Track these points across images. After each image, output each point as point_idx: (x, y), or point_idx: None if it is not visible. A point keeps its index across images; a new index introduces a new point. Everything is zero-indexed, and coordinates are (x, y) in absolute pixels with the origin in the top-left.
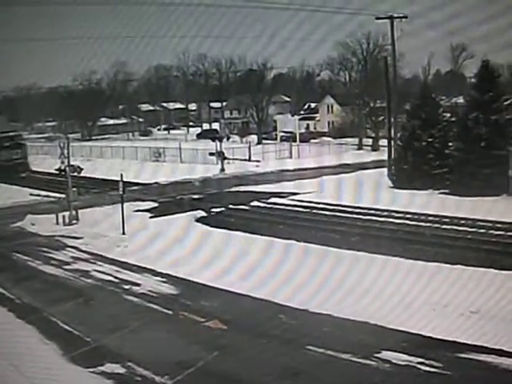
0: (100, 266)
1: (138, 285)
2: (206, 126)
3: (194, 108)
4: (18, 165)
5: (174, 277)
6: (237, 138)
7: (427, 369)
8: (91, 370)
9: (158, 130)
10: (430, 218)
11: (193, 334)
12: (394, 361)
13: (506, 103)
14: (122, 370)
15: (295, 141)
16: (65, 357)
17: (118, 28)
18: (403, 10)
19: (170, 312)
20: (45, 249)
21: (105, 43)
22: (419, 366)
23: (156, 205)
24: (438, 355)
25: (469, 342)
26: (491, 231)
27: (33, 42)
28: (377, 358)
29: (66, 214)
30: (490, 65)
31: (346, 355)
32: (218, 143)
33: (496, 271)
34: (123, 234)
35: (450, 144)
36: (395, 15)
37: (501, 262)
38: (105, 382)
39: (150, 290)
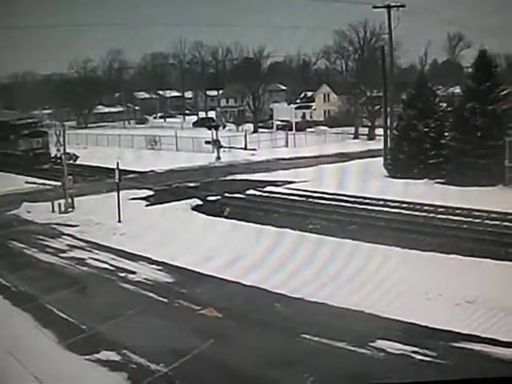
0: (96, 253)
1: (133, 273)
2: (202, 115)
3: (190, 96)
4: (38, 155)
5: (170, 265)
6: (233, 126)
7: (421, 358)
8: (87, 357)
9: (154, 118)
10: (426, 208)
11: (188, 321)
12: (388, 350)
13: (502, 93)
14: (117, 358)
15: (291, 129)
16: (60, 344)
17: (114, 15)
18: None
19: (165, 300)
20: (40, 236)
21: (101, 31)
22: (413, 355)
23: (152, 193)
24: (432, 344)
25: (464, 332)
26: (487, 221)
27: (28, 29)
28: (371, 346)
29: (62, 201)
30: (487, 55)
31: (340, 344)
32: (214, 131)
33: (492, 261)
34: (119, 221)
35: (446, 134)
36: (392, 4)
37: (496, 252)
38: (100, 370)
39: (145, 278)
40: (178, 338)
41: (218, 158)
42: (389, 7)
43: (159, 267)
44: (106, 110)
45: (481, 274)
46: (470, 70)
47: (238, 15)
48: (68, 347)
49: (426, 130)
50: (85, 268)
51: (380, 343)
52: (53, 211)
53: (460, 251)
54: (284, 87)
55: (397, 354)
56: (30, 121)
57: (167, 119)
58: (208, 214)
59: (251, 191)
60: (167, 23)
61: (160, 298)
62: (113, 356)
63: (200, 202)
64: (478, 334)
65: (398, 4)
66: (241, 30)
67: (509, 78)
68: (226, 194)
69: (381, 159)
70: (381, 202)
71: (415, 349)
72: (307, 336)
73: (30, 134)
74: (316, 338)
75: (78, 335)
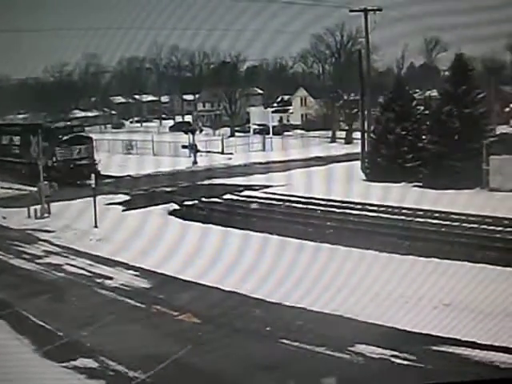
0: (72, 259)
1: (110, 278)
2: (178, 119)
3: (166, 100)
4: (81, 167)
5: (147, 270)
6: (210, 130)
7: (401, 362)
8: (64, 364)
9: (131, 122)
10: (404, 211)
11: (166, 327)
12: (367, 354)
13: (479, 96)
14: (94, 365)
15: (268, 133)
16: (37, 352)
17: (91, 19)
18: (377, 3)
19: (142, 306)
20: (16, 242)
21: (77, 35)
22: (393, 359)
23: (128, 198)
24: (411, 348)
25: (442, 335)
26: (465, 224)
27: (2, 33)
28: (350, 351)
29: (38, 207)
30: (463, 58)
31: (319, 348)
32: (191, 136)
33: (470, 264)
34: (95, 227)
35: (424, 137)
36: (369, 8)
37: (474, 255)
38: (78, 377)
39: (122, 284)
40: (156, 344)
41: (195, 162)
42: (365, 11)
43: (136, 273)
44: (82, 114)
45: (459, 277)
46: (446, 73)
47: (215, 19)
48: (45, 355)
49: (404, 133)
50: (61, 274)
51: (359, 347)
52: (28, 217)
53: (438, 254)
54: (261, 91)
55: (376, 358)
56: (69, 124)
57: (144, 123)
58: (185, 219)
59: (228, 195)
60: (143, 27)
61: (137, 304)
62: (90, 363)
63: (177, 207)
64: (456, 337)
65: (375, 8)
66: (218, 34)
67: (485, 82)
68: (204, 199)
69: (358, 163)
70: (358, 206)
71: (394, 353)
72: (286, 341)
73: (70, 140)
74: (295, 343)
75: (55, 342)
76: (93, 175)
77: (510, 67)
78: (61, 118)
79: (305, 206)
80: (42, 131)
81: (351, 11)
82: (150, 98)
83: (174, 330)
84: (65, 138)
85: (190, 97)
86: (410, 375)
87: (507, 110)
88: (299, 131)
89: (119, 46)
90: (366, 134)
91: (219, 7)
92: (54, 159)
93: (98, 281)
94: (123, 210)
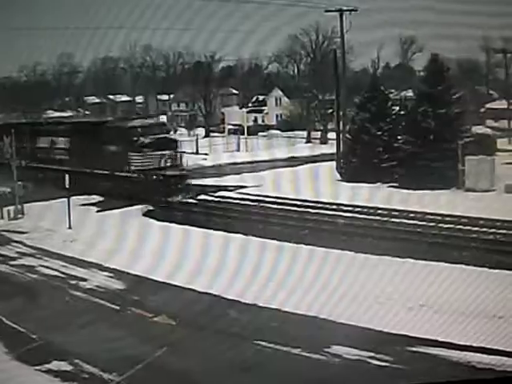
0: (46, 261)
1: (84, 280)
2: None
3: (140, 100)
4: (170, 179)
5: (121, 271)
6: (184, 130)
7: (378, 363)
8: (37, 367)
9: None
10: (379, 212)
11: (141, 329)
12: (344, 355)
13: (454, 97)
14: (68, 368)
15: (243, 134)
16: (10, 355)
17: (65, 19)
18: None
19: (117, 307)
20: None
21: (51, 34)
22: (370, 361)
23: (102, 198)
24: (388, 349)
25: (418, 336)
26: (441, 224)
27: None
28: (327, 352)
29: (12, 208)
30: (439, 59)
31: (295, 350)
32: None
33: (446, 264)
34: (69, 228)
35: (399, 137)
36: (344, 8)
37: (450, 255)
38: (52, 380)
39: (96, 285)
40: (131, 346)
41: None
42: (341, 11)
43: (110, 274)
44: (56, 114)
45: (435, 277)
46: (422, 73)
47: (189, 19)
48: (18, 357)
49: (379, 133)
50: (35, 276)
51: (335, 349)
52: (1, 218)
53: (414, 255)
54: (236, 91)
55: (353, 359)
56: (149, 122)
57: None
58: (159, 220)
59: (203, 196)
60: (118, 27)
61: (112, 306)
62: (64, 366)
63: (151, 208)
64: (433, 338)
65: (350, 8)
66: (192, 34)
67: (461, 82)
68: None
69: (333, 163)
70: (333, 207)
71: (371, 354)
72: (261, 342)
73: (156, 143)
74: (271, 345)
75: (29, 345)
76: (67, 177)
77: (485, 68)
78: (135, 114)
79: (279, 207)
80: (115, 133)
81: (326, 11)
82: (125, 98)
83: (149, 331)
84: (145, 141)
85: (164, 97)
86: (386, 376)
87: (483, 110)
88: (274, 131)
89: (93, 46)
90: (341, 135)
91: (193, 7)
92: (129, 168)
93: (72, 282)
94: (97, 211)
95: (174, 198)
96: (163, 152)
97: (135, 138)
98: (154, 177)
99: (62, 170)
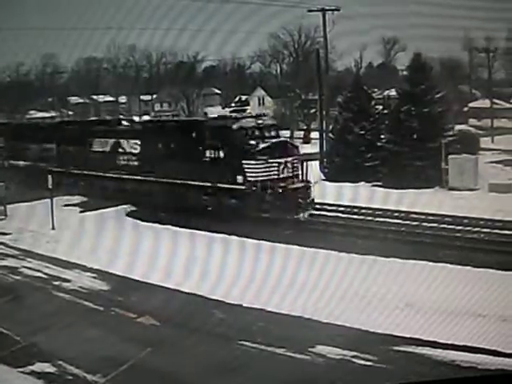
0: (29, 262)
1: (68, 281)
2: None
3: (124, 101)
4: (292, 193)
5: (105, 272)
6: None
7: (362, 362)
8: (21, 369)
9: None
10: (363, 211)
11: (125, 330)
12: (328, 355)
13: (437, 96)
14: (52, 369)
15: None
16: None
17: (48, 19)
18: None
19: (101, 308)
20: None
21: (34, 35)
22: (354, 360)
23: (86, 199)
24: (373, 349)
25: (404, 335)
26: (424, 223)
27: None
28: (311, 352)
29: None
30: (421, 58)
31: (279, 350)
32: None
33: (430, 263)
34: (53, 229)
35: (383, 137)
36: (327, 8)
37: (435, 254)
38: (35, 382)
39: (80, 286)
40: (115, 348)
41: None
42: (323, 11)
43: (94, 275)
44: (39, 114)
45: (419, 276)
46: (405, 72)
47: (172, 19)
48: (1, 360)
49: (362, 132)
50: (18, 277)
51: (320, 348)
52: None
53: (399, 254)
54: (218, 91)
55: (337, 359)
56: (264, 123)
57: None
58: (142, 220)
59: None
60: (101, 27)
61: (95, 307)
62: (48, 367)
63: (135, 208)
64: (418, 337)
65: (333, 8)
66: (175, 34)
67: (444, 81)
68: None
69: (317, 163)
70: (317, 206)
71: (356, 353)
72: (245, 342)
73: (270, 149)
74: (255, 345)
75: (12, 347)
76: (49, 177)
77: (468, 67)
78: (239, 112)
79: None
80: (206, 133)
81: (309, 11)
82: (108, 98)
83: (132, 332)
84: (260, 145)
85: (147, 97)
86: (371, 376)
87: (466, 109)
88: None
89: (77, 46)
90: (324, 134)
91: (176, 7)
92: (242, 179)
93: (56, 283)
94: (80, 212)
95: (295, 215)
96: (282, 159)
97: (248, 142)
98: (270, 190)
99: (131, 179)
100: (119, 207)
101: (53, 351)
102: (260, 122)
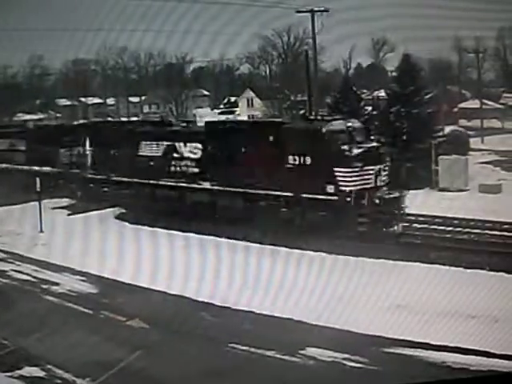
0: (17, 265)
1: (56, 284)
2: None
3: (112, 103)
4: (387, 205)
5: (94, 275)
6: None
7: (353, 364)
8: (9, 374)
9: None
10: None
11: (114, 333)
12: (319, 357)
13: (427, 97)
14: (41, 373)
15: None
16: None
17: (36, 20)
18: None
19: (90, 311)
20: None
21: (22, 36)
22: (345, 362)
23: (74, 202)
24: (363, 351)
25: (395, 337)
26: (415, 225)
27: None
28: (302, 354)
29: None
30: (410, 59)
31: (270, 352)
32: None
33: (421, 264)
34: (41, 231)
35: (372, 138)
36: (316, 8)
37: (425, 255)
38: None
39: (69, 290)
40: (105, 351)
41: None
42: (312, 12)
43: (83, 278)
44: (27, 117)
45: (410, 277)
46: (394, 73)
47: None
48: None
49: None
50: (6, 280)
51: (310, 351)
52: None
53: (388, 255)
54: (207, 92)
55: (328, 361)
56: (353, 125)
57: None
58: (131, 223)
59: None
60: (89, 29)
61: (85, 310)
62: (36, 372)
63: (124, 210)
64: (409, 339)
65: (322, 9)
66: (164, 36)
67: (433, 82)
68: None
69: None
70: None
71: (347, 355)
72: (235, 345)
73: (364, 155)
74: (245, 347)
75: (1, 351)
76: (38, 180)
77: (457, 68)
78: (318, 113)
79: None
80: (288, 136)
81: (298, 12)
82: (96, 100)
83: (122, 335)
84: (355, 150)
85: (135, 99)
86: (362, 378)
87: (455, 110)
88: None
89: (64, 48)
90: None
91: (165, 8)
92: (333, 189)
93: (44, 287)
94: (69, 214)
95: (390, 227)
96: (377, 166)
97: (340, 147)
98: (366, 201)
99: (189, 188)
100: (108, 209)
101: (41, 355)
102: (350, 124)
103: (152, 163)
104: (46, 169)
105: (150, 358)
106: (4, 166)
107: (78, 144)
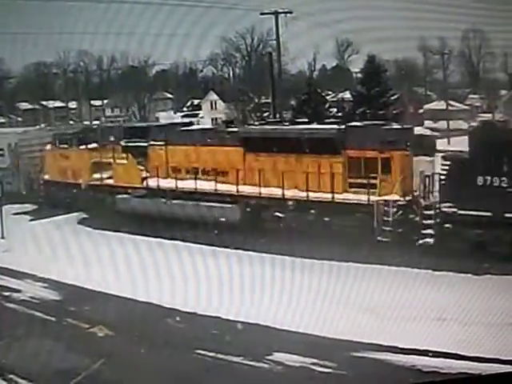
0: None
1: (18, 291)
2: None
3: (74, 106)
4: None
5: (57, 282)
6: None
7: (322, 369)
8: None
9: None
10: None
11: (77, 341)
12: (287, 362)
13: (392, 98)
14: None
15: None
16: None
17: None
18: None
19: (52, 319)
20: None
21: None
22: (313, 367)
23: (36, 207)
24: (332, 355)
25: (364, 341)
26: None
27: None
28: (269, 360)
29: None
30: (375, 60)
31: (237, 358)
32: None
33: (388, 267)
34: (2, 238)
35: None
36: (280, 10)
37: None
38: None
39: (31, 297)
40: (68, 359)
41: None
42: (276, 13)
43: (45, 284)
44: None
45: (377, 281)
46: (359, 75)
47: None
48: None
49: None
50: None
51: (278, 356)
52: None
53: (357, 259)
54: (170, 95)
55: (296, 366)
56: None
57: None
58: (94, 228)
59: None
60: (50, 32)
61: (47, 317)
62: None
63: (86, 216)
64: (378, 343)
65: (286, 10)
66: (125, 39)
67: (399, 83)
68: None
69: None
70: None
71: (315, 360)
72: (202, 351)
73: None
74: (211, 354)
75: None
76: None
77: (423, 69)
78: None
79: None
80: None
81: (262, 14)
82: (58, 103)
83: (86, 343)
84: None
85: (98, 102)
86: (331, 383)
87: (421, 111)
88: None
89: (25, 51)
90: None
91: (123, 11)
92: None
93: (6, 294)
94: (31, 220)
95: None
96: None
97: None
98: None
99: None
100: (71, 214)
101: (3, 365)
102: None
103: None
104: None
105: (115, 365)
106: None
107: None
